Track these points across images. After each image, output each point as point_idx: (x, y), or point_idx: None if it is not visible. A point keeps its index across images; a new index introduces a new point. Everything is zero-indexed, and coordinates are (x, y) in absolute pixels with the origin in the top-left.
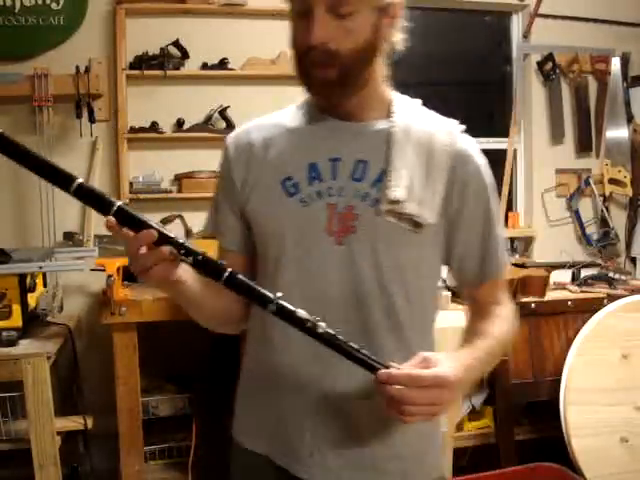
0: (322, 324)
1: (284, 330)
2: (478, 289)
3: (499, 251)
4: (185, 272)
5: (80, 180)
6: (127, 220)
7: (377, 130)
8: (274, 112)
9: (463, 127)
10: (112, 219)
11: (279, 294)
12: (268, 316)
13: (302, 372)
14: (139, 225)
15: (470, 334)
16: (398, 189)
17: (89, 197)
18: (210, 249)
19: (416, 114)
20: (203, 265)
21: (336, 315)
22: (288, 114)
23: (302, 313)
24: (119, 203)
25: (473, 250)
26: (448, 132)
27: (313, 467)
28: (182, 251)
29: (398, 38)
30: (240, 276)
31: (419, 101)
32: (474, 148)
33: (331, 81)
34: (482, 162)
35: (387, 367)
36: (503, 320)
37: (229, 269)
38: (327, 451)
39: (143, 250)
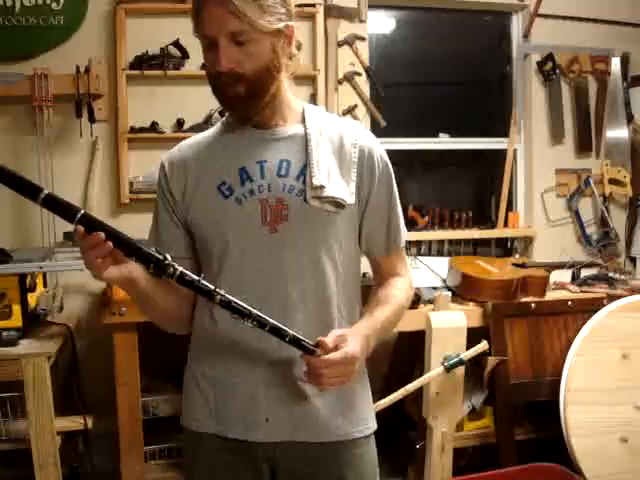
0: (254, 310)
1: (227, 322)
2: (384, 259)
3: (400, 225)
4: (137, 271)
5: (46, 191)
6: (89, 225)
7: (293, 134)
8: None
9: (364, 125)
10: (81, 228)
11: (222, 292)
12: (215, 311)
13: (252, 347)
14: (97, 229)
15: (372, 305)
16: (320, 176)
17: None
18: None
19: (324, 117)
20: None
21: (280, 294)
22: (213, 131)
23: (241, 304)
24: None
25: (380, 225)
26: (354, 129)
27: (269, 430)
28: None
29: (293, 55)
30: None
31: (323, 107)
32: (375, 143)
33: (240, 97)
34: (383, 153)
35: (315, 346)
36: (400, 290)
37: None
38: (280, 414)
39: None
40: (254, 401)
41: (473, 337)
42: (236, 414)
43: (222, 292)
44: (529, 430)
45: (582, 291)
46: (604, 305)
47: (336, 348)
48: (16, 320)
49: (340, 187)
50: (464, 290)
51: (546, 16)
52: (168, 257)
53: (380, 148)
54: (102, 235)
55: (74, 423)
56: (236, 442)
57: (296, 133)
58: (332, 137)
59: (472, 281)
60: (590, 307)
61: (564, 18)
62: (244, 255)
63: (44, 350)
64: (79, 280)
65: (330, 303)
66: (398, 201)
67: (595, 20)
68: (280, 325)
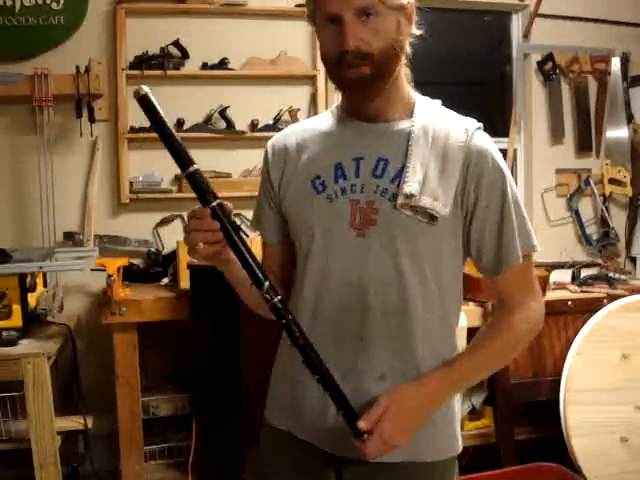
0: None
1: (312, 316)
2: (498, 278)
3: (516, 241)
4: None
5: (196, 166)
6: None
7: (398, 130)
8: (311, 118)
9: (480, 125)
10: (208, 211)
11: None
12: (300, 304)
13: (323, 356)
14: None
15: (468, 347)
16: (413, 184)
17: (198, 185)
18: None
19: (435, 114)
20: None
21: (358, 300)
22: (321, 119)
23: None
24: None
25: (489, 239)
26: (464, 130)
27: (334, 442)
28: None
29: (414, 36)
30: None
31: (439, 102)
32: (489, 144)
33: (367, 78)
34: (497, 156)
35: (357, 420)
36: (508, 329)
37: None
38: (345, 428)
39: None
40: (325, 408)
41: (473, 337)
42: (309, 418)
43: (303, 339)
44: (529, 430)
45: (582, 291)
46: (604, 305)
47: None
48: (16, 320)
49: (436, 196)
50: (464, 290)
51: (546, 16)
52: (269, 284)
53: (495, 151)
54: (215, 225)
55: (74, 423)
56: (308, 445)
57: (401, 129)
58: (438, 136)
59: (472, 281)
60: (590, 307)
61: (564, 18)
62: (328, 255)
63: (44, 350)
64: (79, 280)
65: (411, 319)
66: (518, 212)
67: (595, 20)
68: (343, 395)
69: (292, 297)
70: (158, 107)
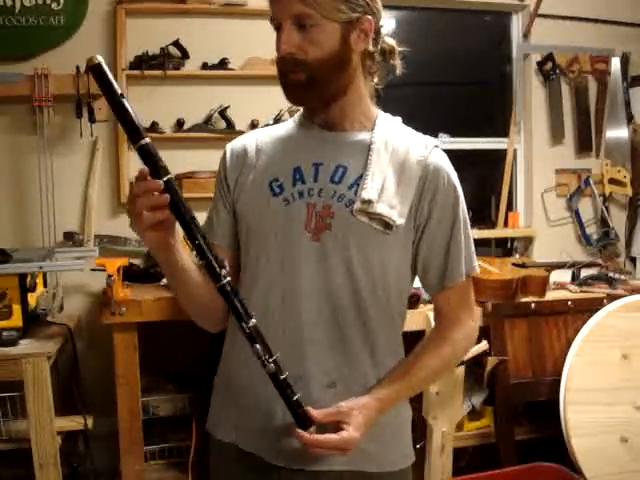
0: (271, 365)
1: (260, 322)
2: (440, 297)
3: (461, 259)
4: (180, 249)
5: (147, 140)
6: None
7: (359, 140)
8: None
9: (437, 142)
10: (146, 169)
11: (253, 321)
12: (249, 307)
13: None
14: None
15: (408, 360)
16: (371, 190)
17: (150, 158)
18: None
19: (396, 129)
20: (201, 252)
21: (310, 305)
22: (283, 126)
23: (257, 348)
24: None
25: (437, 255)
26: (423, 146)
27: (280, 453)
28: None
29: (372, 52)
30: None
31: (399, 119)
32: (445, 161)
33: (300, 84)
34: (452, 175)
35: (309, 420)
36: (448, 346)
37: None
38: (293, 437)
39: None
40: (270, 418)
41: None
42: (254, 429)
43: (252, 322)
44: (529, 430)
45: (582, 291)
46: (604, 305)
47: (337, 422)
48: (16, 320)
49: (392, 205)
50: None
51: (546, 16)
52: (226, 265)
53: (450, 169)
54: (160, 184)
55: (74, 423)
56: (254, 457)
57: (362, 140)
58: (397, 150)
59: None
60: (590, 307)
61: (564, 18)
62: (282, 257)
63: (44, 350)
64: (79, 280)
65: (362, 326)
66: (465, 232)
67: (595, 20)
68: (290, 385)
69: None
70: (111, 76)
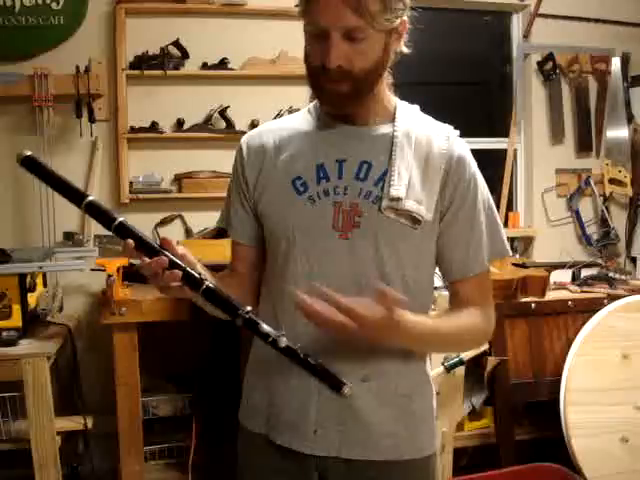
0: (283, 339)
1: (291, 316)
2: (461, 284)
3: (483, 248)
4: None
5: (91, 198)
6: (140, 244)
7: (380, 134)
8: (285, 116)
9: (458, 132)
10: (131, 242)
11: (249, 308)
12: (279, 304)
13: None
14: (151, 250)
15: (440, 315)
16: (398, 188)
17: (98, 214)
18: (213, 249)
19: (416, 119)
20: (187, 278)
21: None
22: (299, 118)
23: (265, 328)
24: (122, 221)
25: (459, 243)
26: (445, 137)
27: (316, 443)
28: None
29: (402, 45)
30: (215, 289)
31: (417, 107)
32: (467, 152)
33: (344, 94)
34: (473, 165)
35: (342, 383)
36: (474, 316)
37: (205, 282)
38: (329, 428)
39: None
40: (305, 410)
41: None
42: (287, 421)
43: (267, 331)
44: (529, 430)
45: (582, 291)
46: (604, 305)
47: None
48: (16, 320)
49: (419, 200)
50: None
51: (546, 16)
52: (209, 283)
53: (471, 160)
54: (165, 260)
55: (74, 423)
56: (285, 449)
57: (384, 134)
58: (420, 142)
59: None
60: (590, 307)
61: (564, 18)
62: (309, 257)
63: (44, 350)
64: (79, 280)
65: None
66: (487, 221)
67: (595, 20)
68: (308, 354)
69: (265, 297)
70: (43, 163)
